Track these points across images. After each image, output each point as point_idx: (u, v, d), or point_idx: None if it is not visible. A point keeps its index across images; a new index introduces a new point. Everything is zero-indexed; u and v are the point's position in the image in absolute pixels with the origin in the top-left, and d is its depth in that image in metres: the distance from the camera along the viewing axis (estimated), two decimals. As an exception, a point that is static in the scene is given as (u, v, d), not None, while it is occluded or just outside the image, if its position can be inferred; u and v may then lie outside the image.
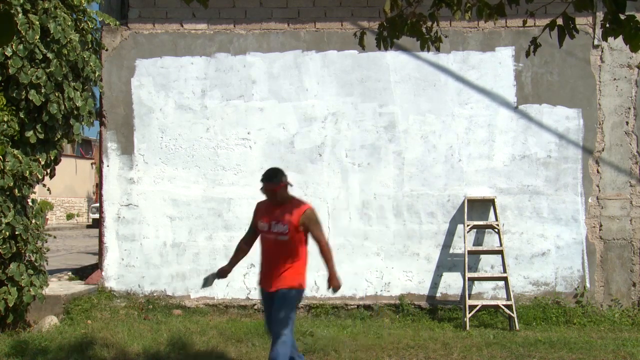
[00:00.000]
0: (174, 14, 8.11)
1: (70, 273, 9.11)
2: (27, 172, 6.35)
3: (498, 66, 7.92)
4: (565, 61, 7.87)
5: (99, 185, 8.32)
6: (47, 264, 6.96)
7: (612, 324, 7.28)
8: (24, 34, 6.14)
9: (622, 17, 2.81)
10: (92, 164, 35.71)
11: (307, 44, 8.03)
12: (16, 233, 6.32)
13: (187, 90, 8.05)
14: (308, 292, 7.85)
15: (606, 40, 3.12)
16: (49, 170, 6.95)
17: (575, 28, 3.20)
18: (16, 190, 6.34)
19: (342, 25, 8.01)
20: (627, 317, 7.50)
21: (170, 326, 6.89)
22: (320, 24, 8.04)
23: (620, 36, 2.91)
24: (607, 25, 2.89)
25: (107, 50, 8.01)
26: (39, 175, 6.60)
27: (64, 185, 32.25)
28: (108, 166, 8.08)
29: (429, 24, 3.96)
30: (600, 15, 7.60)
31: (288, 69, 8.02)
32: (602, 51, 7.86)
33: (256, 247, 7.83)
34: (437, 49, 4.18)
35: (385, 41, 3.96)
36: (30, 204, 6.89)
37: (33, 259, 6.63)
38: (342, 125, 7.97)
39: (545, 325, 7.24)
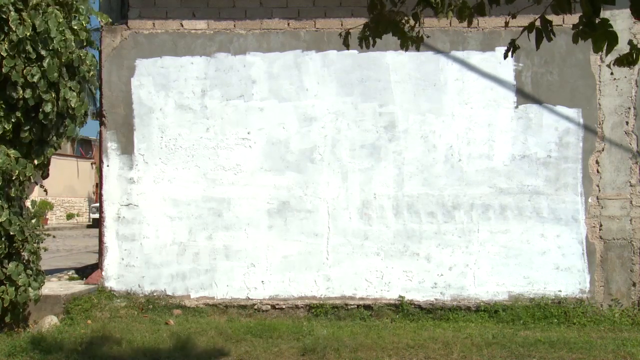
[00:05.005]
0: (174, 14, 8.11)
1: (70, 272, 9.13)
2: (17, 171, 6.28)
3: (498, 66, 7.92)
4: (565, 61, 7.87)
5: (99, 185, 8.32)
6: (40, 265, 6.91)
7: (612, 324, 7.28)
8: (15, 30, 6.10)
9: (597, 20, 2.83)
10: (92, 164, 35.74)
11: (307, 44, 8.04)
12: (11, 234, 6.28)
13: (187, 90, 8.05)
14: (308, 292, 7.88)
15: (576, 43, 3.13)
16: (42, 171, 6.91)
17: (553, 31, 3.21)
18: (12, 191, 6.32)
19: (342, 25, 8.01)
20: (627, 317, 7.50)
21: (170, 326, 6.89)
22: (320, 24, 8.04)
23: (582, 38, 2.93)
24: (580, 27, 2.91)
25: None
26: (31, 178, 6.54)
27: (64, 185, 32.28)
28: (108, 166, 8.08)
29: (412, 23, 3.96)
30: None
31: (288, 68, 8.02)
32: (602, 51, 7.84)
33: (258, 248, 7.87)
34: (417, 49, 4.18)
35: (367, 40, 3.97)
36: (28, 204, 6.87)
37: (31, 259, 6.62)
38: (342, 125, 7.97)
39: (545, 325, 7.24)
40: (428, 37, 4.74)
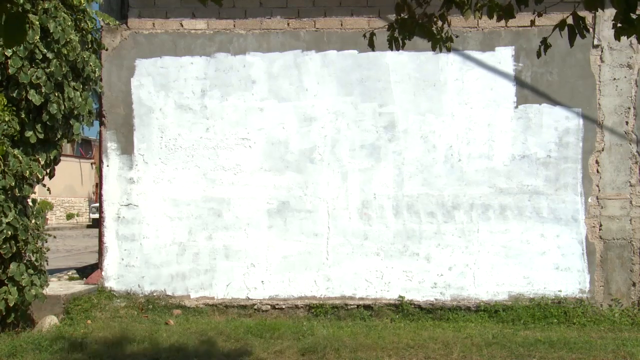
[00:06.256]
0: (173, 14, 8.11)
1: (71, 272, 9.13)
2: (27, 172, 6.36)
3: (498, 66, 7.92)
4: (564, 61, 7.87)
5: (99, 185, 8.33)
6: (47, 264, 6.96)
7: (612, 324, 7.28)
8: None
9: (634, 16, 2.79)
10: (92, 164, 35.71)
11: (307, 44, 8.03)
12: (17, 233, 6.32)
13: (187, 90, 8.05)
14: (308, 292, 7.88)
15: (619, 40, 3.08)
16: (48, 170, 6.96)
17: (586, 27, 3.17)
18: (17, 190, 6.35)
19: (342, 25, 8.01)
20: (627, 317, 7.50)
21: (170, 326, 6.89)
22: (320, 24, 8.04)
23: (622, 34, 2.90)
24: (619, 24, 2.87)
25: (107, 50, 8.01)
26: (39, 175, 6.61)
27: (64, 185, 32.25)
28: (108, 166, 8.08)
29: (440, 24, 3.93)
30: (600, 14, 7.60)
31: (288, 68, 8.02)
32: (602, 51, 7.86)
33: (258, 248, 7.87)
34: (448, 50, 4.14)
35: (397, 42, 3.94)
36: (30, 204, 6.89)
37: (33, 258, 6.63)
38: (342, 125, 7.97)
39: (545, 325, 7.24)
40: (457, 36, 4.70)
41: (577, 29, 3.15)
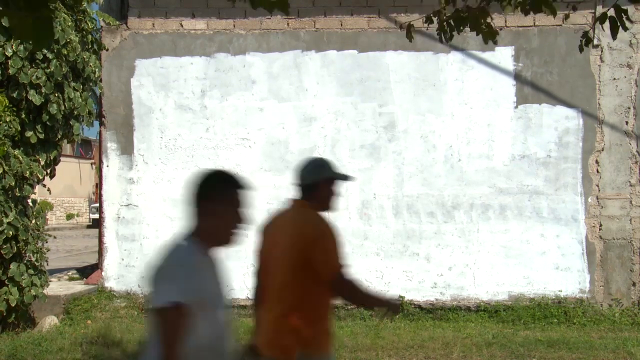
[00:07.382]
0: (173, 14, 8.11)
1: (71, 272, 9.14)
2: (28, 172, 6.36)
3: (498, 66, 7.92)
4: (564, 61, 7.86)
5: (99, 185, 8.33)
6: (47, 264, 6.96)
7: (612, 324, 7.29)
8: None
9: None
10: (92, 164, 35.71)
11: (307, 44, 8.03)
12: (17, 233, 6.32)
13: (186, 90, 8.05)
14: (308, 292, 7.87)
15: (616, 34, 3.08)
16: (49, 171, 6.97)
17: (629, 19, 3.17)
18: (17, 191, 6.36)
19: (341, 25, 8.01)
20: (627, 317, 7.50)
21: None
22: (320, 24, 8.04)
23: (620, 36, 2.92)
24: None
25: (107, 50, 8.01)
26: (39, 176, 6.62)
27: (64, 186, 32.25)
28: (108, 166, 8.08)
29: (489, 19, 3.94)
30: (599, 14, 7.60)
31: (288, 68, 8.02)
32: (602, 51, 7.86)
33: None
34: (495, 43, 4.14)
35: (446, 34, 3.95)
36: (30, 204, 6.90)
37: (33, 259, 6.64)
38: (342, 125, 7.97)
39: (545, 325, 7.24)
40: (501, 29, 4.63)
41: (619, 22, 3.14)
